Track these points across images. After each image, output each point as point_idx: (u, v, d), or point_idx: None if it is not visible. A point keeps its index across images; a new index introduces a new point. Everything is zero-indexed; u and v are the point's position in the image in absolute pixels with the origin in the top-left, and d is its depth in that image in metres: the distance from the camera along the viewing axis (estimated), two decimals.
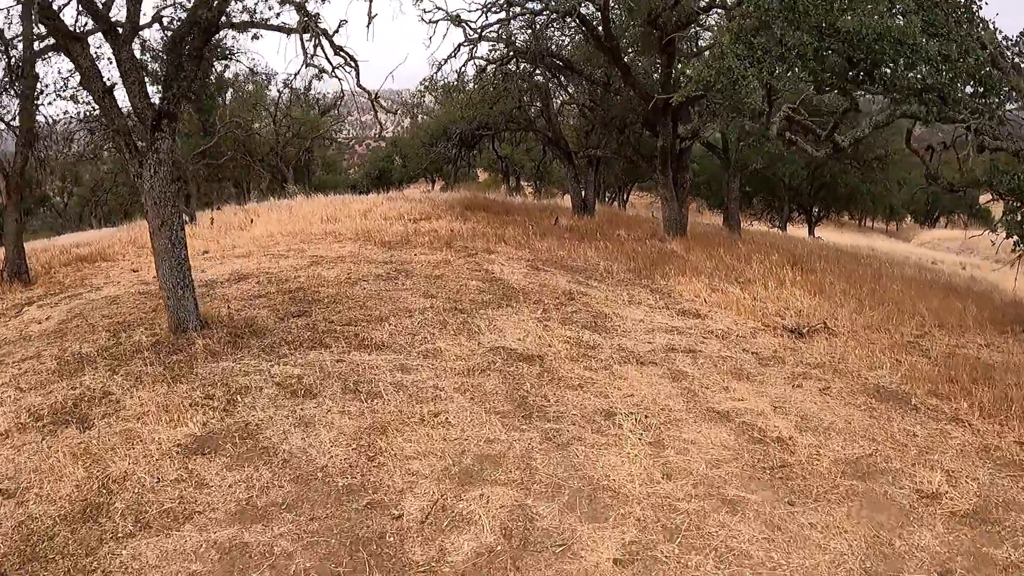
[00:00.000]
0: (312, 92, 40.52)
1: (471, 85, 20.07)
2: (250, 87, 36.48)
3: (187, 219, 21.36)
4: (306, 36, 7.79)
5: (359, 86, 8.39)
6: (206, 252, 15.90)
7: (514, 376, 7.40)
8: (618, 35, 14.93)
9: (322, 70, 8.32)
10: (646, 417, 6.59)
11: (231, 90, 36.05)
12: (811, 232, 35.85)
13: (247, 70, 36.32)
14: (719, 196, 35.47)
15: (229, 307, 10.36)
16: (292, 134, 36.18)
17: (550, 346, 8.39)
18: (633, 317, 10.11)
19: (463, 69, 18.09)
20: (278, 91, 32.75)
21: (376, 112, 8.66)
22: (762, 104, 11.01)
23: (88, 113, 15.15)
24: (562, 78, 20.53)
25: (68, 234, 28.47)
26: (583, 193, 20.40)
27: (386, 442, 5.86)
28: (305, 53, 7.74)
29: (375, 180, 46.84)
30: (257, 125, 38.09)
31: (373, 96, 8.39)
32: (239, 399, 6.81)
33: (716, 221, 35.88)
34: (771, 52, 7.54)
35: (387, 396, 6.76)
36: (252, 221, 20.96)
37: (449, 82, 20.87)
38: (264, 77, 36.83)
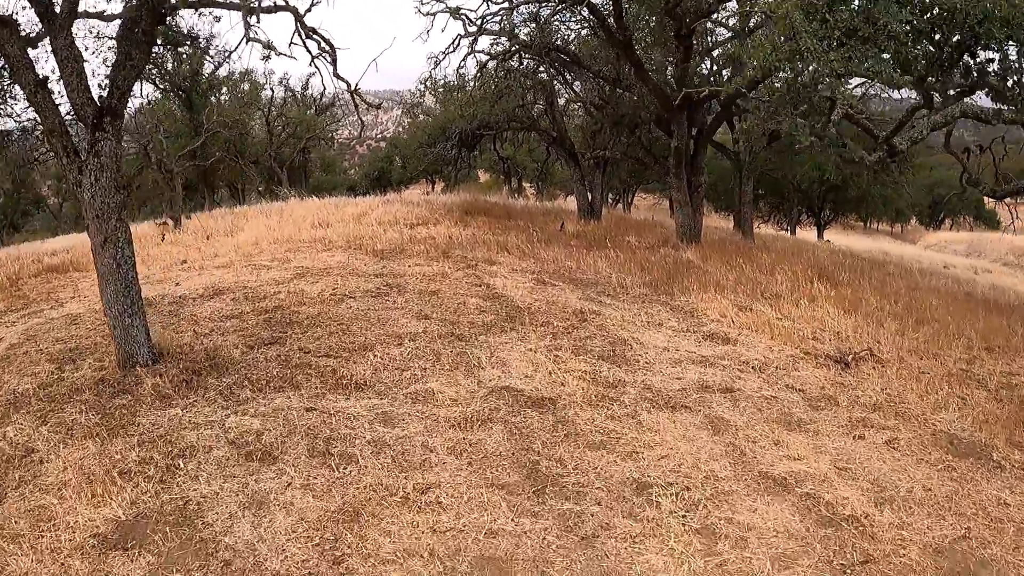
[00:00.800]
0: (309, 91, 39.22)
1: (471, 84, 18.68)
2: (245, 86, 35.10)
3: (172, 223, 19.97)
4: (254, 18, 6.38)
5: (336, 76, 6.97)
6: (184, 262, 14.50)
7: (522, 429, 5.98)
8: (630, 26, 13.50)
9: (267, 46, 6.87)
10: (688, 490, 5.17)
11: (225, 89, 34.69)
12: (820, 235, 34.42)
13: (243, 69, 35.01)
14: (727, 199, 34.08)
15: (195, 330, 8.96)
16: (287, 134, 34.79)
17: (563, 385, 6.97)
18: (655, 343, 8.70)
19: (463, 64, 16.65)
20: (271, 89, 31.32)
21: (356, 106, 7.23)
22: (832, 96, 9.58)
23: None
24: (568, 75, 19.10)
25: (56, 238, 27.07)
26: (589, 196, 18.99)
27: (357, 534, 4.45)
28: (247, 26, 6.31)
29: (374, 181, 45.45)
30: (254, 124, 36.72)
31: (353, 88, 6.97)
32: (181, 464, 5.40)
33: (724, 225, 34.47)
34: (858, 32, 6.14)
35: (364, 461, 5.35)
36: (240, 226, 19.57)
37: (449, 81, 19.50)
38: (263, 76, 35.52)
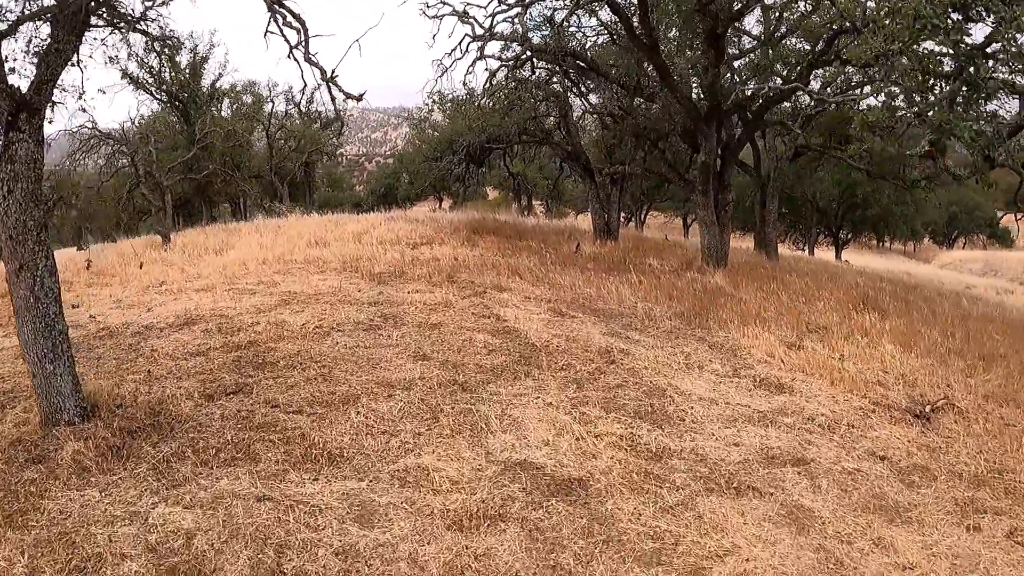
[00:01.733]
0: (313, 105, 37.84)
1: (480, 93, 17.21)
2: (248, 99, 33.71)
3: (161, 239, 18.48)
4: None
5: (308, 59, 5.43)
6: (163, 283, 12.97)
7: (545, 532, 4.38)
8: (656, 27, 11.97)
9: None
10: None
11: (227, 101, 33.31)
12: (838, 255, 32.77)
13: (246, 80, 33.64)
14: (744, 218, 32.47)
15: (150, 371, 7.43)
16: (290, 148, 33.39)
17: (595, 458, 5.38)
18: (699, 393, 7.10)
19: (471, 70, 15.15)
20: (271, 99, 29.91)
21: (332, 97, 5.70)
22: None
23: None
24: (583, 86, 17.60)
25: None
26: (605, 216, 17.44)
27: None
28: None
29: (380, 198, 44.00)
30: (256, 138, 35.33)
31: (330, 76, 5.43)
32: None
33: (740, 245, 32.82)
34: None
35: None
36: (232, 243, 18.07)
37: (457, 95, 18.04)
38: (267, 88, 34.13)
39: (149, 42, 9.29)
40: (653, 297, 11.44)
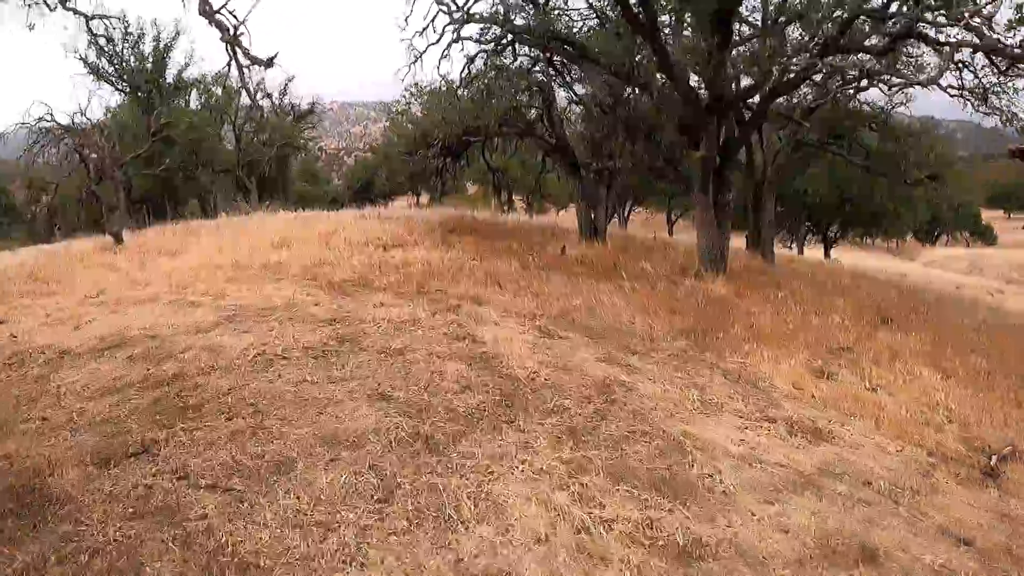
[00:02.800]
0: (287, 97, 36.08)
1: (458, 87, 15.69)
2: (218, 90, 31.88)
3: (112, 239, 16.79)
4: None
5: (206, 12, 3.91)
6: (102, 292, 11.34)
7: None
8: (655, 7, 10.49)
9: None
10: None
11: (195, 92, 31.47)
12: (827, 254, 31.53)
13: (217, 71, 31.83)
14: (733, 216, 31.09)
15: (45, 420, 5.91)
16: (261, 142, 31.66)
17: (606, 564, 3.90)
18: (724, 445, 5.65)
19: (447, 53, 13.60)
20: (231, 87, 28.10)
21: (238, 63, 4.20)
22: None
23: None
24: (569, 75, 16.10)
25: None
26: (592, 214, 15.98)
27: None
28: None
29: (358, 193, 42.29)
30: (227, 131, 33.51)
31: (233, 35, 3.94)
32: None
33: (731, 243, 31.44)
34: None
35: None
36: (189, 245, 16.46)
37: (435, 86, 16.46)
38: (236, 79, 32.31)
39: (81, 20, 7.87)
40: (651, 310, 10.00)
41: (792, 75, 11.82)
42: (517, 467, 4.91)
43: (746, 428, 6.11)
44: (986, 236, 54.53)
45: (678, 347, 8.36)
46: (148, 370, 7.03)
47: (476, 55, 14.17)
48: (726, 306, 10.66)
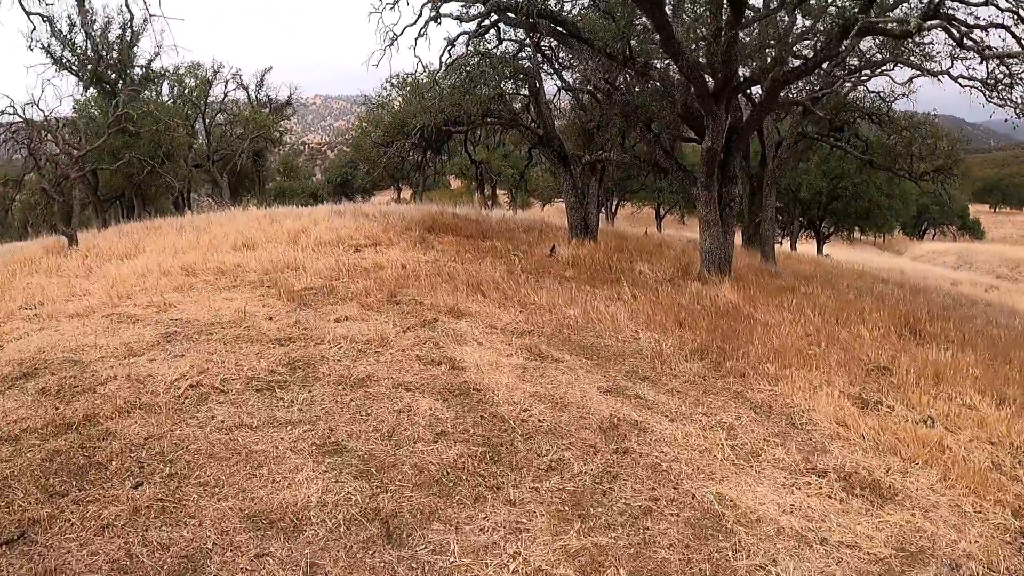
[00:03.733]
0: (264, 88, 34.49)
1: (438, 73, 14.29)
2: (191, 81, 30.22)
3: (66, 240, 15.26)
4: None
5: None
6: (39, 304, 9.92)
7: None
8: None
9: None
10: None
11: (167, 83, 29.79)
12: (819, 250, 30.35)
13: (190, 62, 30.18)
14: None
15: None
16: (236, 135, 30.08)
17: None
18: (771, 515, 4.33)
19: (423, 33, 12.17)
20: (205, 77, 26.51)
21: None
22: None
23: None
24: (557, 62, 14.74)
25: None
26: (583, 210, 14.64)
27: None
28: None
29: (338, 188, 40.69)
30: (201, 124, 31.85)
31: None
32: None
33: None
34: None
35: None
36: (146, 245, 15.01)
37: (414, 76, 15.03)
38: (211, 71, 30.68)
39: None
40: (657, 322, 8.66)
41: (808, 58, 10.55)
42: (507, 565, 3.55)
43: (793, 486, 4.79)
44: (974, 231, 53.65)
45: (693, 371, 7.02)
46: (56, 409, 5.64)
47: (457, 37, 12.79)
48: (738, 317, 9.34)
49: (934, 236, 54.27)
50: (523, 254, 12.63)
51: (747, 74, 11.27)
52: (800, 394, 6.50)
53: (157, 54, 27.54)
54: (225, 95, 28.42)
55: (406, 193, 45.75)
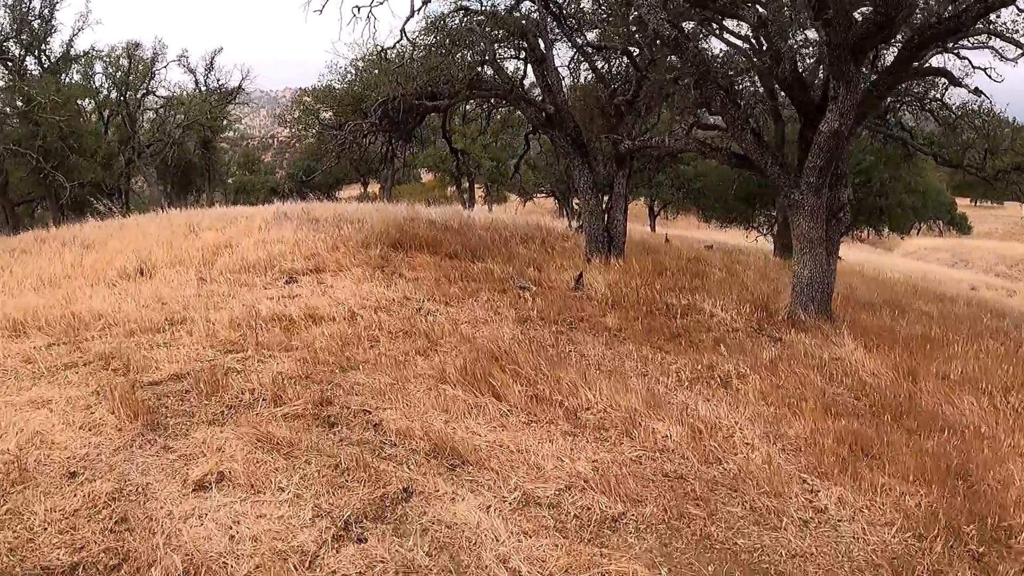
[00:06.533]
0: (213, 73, 29.63)
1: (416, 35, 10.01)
2: (125, 61, 25.27)
3: None
4: None
5: None
6: None
7: None
8: None
9: None
10: None
11: (98, 64, 24.84)
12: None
13: (128, 41, 25.19)
14: (721, 208, 25.66)
15: None
16: (178, 123, 25.28)
17: None
18: None
19: None
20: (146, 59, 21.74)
21: None
22: None
23: None
24: (572, 18, 10.39)
25: None
26: (605, 217, 10.35)
27: None
28: None
29: (301, 183, 35.85)
30: (146, 114, 26.95)
31: None
32: None
33: (721, 238, 25.91)
34: None
35: None
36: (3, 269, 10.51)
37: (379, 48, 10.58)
38: (150, 52, 25.71)
39: None
40: (819, 450, 4.41)
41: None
42: None
43: None
44: (961, 226, 50.25)
45: None
46: None
47: None
48: (929, 418, 5.15)
49: (919, 232, 50.87)
50: (534, 284, 8.32)
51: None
52: None
53: (81, 29, 22.65)
54: (152, 75, 23.51)
55: (374, 187, 41.02)
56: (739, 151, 8.08)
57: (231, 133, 32.55)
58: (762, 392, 5.53)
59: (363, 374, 5.11)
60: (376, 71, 10.02)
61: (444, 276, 8.56)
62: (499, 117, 12.86)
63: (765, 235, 25.80)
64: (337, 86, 10.98)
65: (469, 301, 7.50)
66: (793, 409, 5.14)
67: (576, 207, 32.25)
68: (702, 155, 9.93)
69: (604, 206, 10.61)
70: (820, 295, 7.99)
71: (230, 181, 39.17)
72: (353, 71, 10.54)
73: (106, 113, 24.70)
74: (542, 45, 10.19)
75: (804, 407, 5.11)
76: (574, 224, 17.48)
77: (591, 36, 10.39)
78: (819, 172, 7.18)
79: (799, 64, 7.05)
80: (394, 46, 10.01)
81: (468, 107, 12.49)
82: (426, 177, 43.24)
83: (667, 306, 7.90)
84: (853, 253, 32.79)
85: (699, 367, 6.02)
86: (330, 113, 10.91)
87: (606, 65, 10.71)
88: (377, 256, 9.38)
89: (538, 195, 31.82)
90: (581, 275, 8.23)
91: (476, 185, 35.37)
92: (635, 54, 9.12)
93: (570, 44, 10.76)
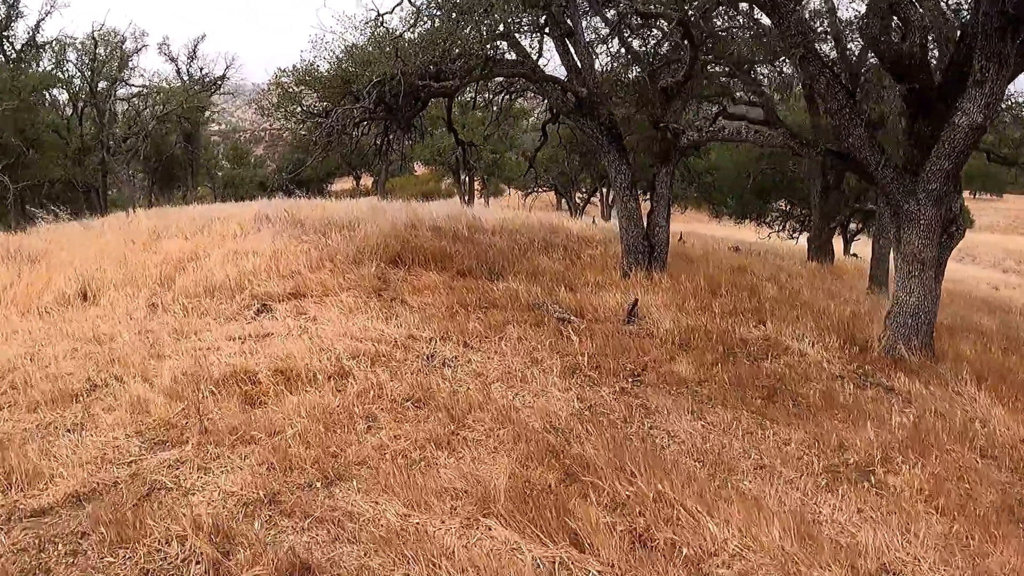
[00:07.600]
0: (196, 61, 27.63)
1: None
2: (100, 50, 23.16)
3: None
4: None
5: None
6: None
7: None
8: None
9: None
10: None
11: (72, 51, 22.71)
12: (847, 250, 24.62)
13: (106, 29, 23.08)
14: (736, 203, 23.88)
15: None
16: (157, 112, 23.24)
17: None
18: None
19: None
20: (110, 44, 19.71)
21: None
22: None
23: None
24: None
25: None
26: (643, 222, 8.55)
27: None
28: None
29: (291, 177, 33.77)
30: (120, 106, 24.88)
31: None
32: None
33: (724, 234, 24.04)
34: None
35: None
36: None
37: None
38: (121, 38, 23.60)
39: None
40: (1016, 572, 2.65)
41: None
42: None
43: None
44: (964, 219, 48.68)
45: None
46: None
47: None
48: None
49: None
50: (572, 313, 6.48)
51: None
52: None
53: (48, 14, 20.57)
54: (127, 63, 21.46)
55: (367, 181, 38.93)
56: (837, 149, 6.25)
57: (222, 126, 30.47)
58: (921, 491, 3.78)
59: (358, 492, 3.29)
60: (371, 47, 8.14)
61: (458, 302, 6.73)
62: (495, 108, 10.94)
63: (780, 231, 24.03)
64: (323, 66, 9.05)
65: (495, 341, 5.67)
66: (971, 518, 3.41)
67: (579, 201, 30.53)
68: (792, 152, 8.12)
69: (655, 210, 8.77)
70: (926, 327, 6.23)
71: (220, 175, 37.09)
72: (341, 45, 8.62)
73: (80, 105, 22.70)
74: (568, 21, 8.34)
75: (981, 512, 3.40)
76: (598, 221, 15.58)
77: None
78: (945, 177, 5.40)
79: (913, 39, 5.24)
80: (392, 10, 8.11)
81: (471, 93, 10.57)
82: (420, 170, 41.14)
83: (743, 342, 6.10)
84: (856, 251, 31.09)
85: (825, 448, 4.25)
86: (315, 98, 8.99)
87: (642, 43, 8.85)
88: (372, 275, 7.52)
89: (541, 190, 29.95)
90: (636, 303, 6.39)
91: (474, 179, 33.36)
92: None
93: (599, 18, 8.87)
